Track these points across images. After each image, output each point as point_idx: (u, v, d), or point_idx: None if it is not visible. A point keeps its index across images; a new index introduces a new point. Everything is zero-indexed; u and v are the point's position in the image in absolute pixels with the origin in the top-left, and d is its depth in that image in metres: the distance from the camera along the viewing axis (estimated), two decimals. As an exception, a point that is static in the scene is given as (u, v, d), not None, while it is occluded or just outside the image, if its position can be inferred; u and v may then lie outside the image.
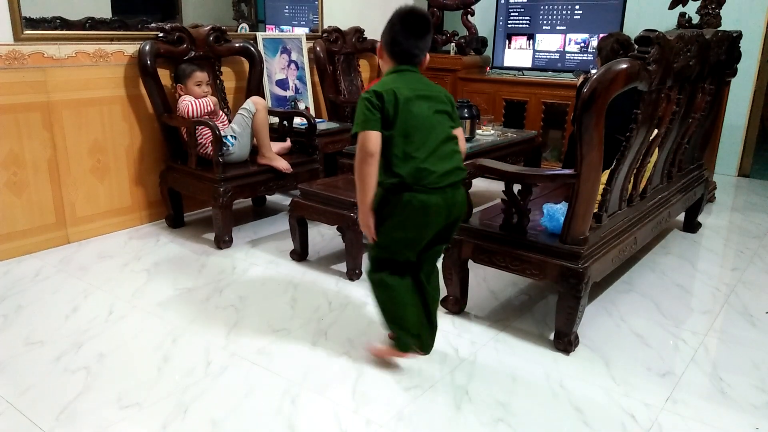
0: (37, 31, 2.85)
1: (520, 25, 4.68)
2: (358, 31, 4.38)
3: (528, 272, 2.13)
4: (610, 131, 1.94)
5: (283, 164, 3.18)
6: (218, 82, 3.52)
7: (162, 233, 3.27)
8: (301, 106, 4.00)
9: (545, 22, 4.57)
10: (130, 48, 3.16)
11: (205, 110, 3.06)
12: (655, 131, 2.28)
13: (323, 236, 3.21)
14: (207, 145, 3.05)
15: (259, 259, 2.92)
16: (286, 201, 3.59)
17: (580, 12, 4.41)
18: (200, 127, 3.06)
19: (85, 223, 3.15)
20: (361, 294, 2.52)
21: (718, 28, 3.51)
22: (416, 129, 1.80)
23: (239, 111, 3.16)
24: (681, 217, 3.33)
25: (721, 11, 3.80)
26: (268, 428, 1.71)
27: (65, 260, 2.88)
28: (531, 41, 4.64)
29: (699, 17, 3.84)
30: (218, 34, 3.44)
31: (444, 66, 4.74)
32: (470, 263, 2.29)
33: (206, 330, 2.24)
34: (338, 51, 4.26)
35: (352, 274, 2.66)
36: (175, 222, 3.34)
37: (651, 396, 1.88)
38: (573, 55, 4.49)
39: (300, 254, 2.88)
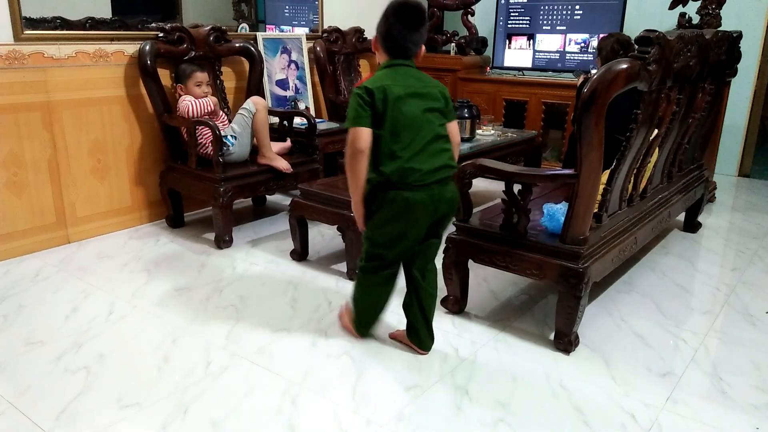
0: (37, 31, 2.85)
1: (521, 25, 4.68)
2: (358, 31, 4.38)
3: (528, 272, 2.13)
4: (611, 131, 1.94)
5: (283, 164, 3.18)
6: (218, 82, 3.52)
7: (162, 233, 3.27)
8: (301, 106, 4.00)
9: (545, 22, 4.57)
10: (131, 48, 3.17)
11: (206, 110, 3.06)
12: (656, 131, 2.28)
13: (323, 236, 3.21)
14: (207, 145, 3.05)
15: (259, 258, 2.92)
16: (286, 201, 3.59)
17: (581, 12, 4.41)
18: (200, 127, 3.06)
19: (85, 223, 3.15)
20: (361, 294, 2.52)
21: (719, 28, 3.52)
22: (404, 128, 1.84)
23: (239, 111, 3.16)
24: (681, 217, 3.33)
25: (721, 11, 3.80)
26: (268, 428, 1.71)
27: (65, 260, 2.88)
28: (531, 41, 4.65)
29: (699, 17, 3.84)
30: (218, 34, 3.44)
31: (444, 66, 4.74)
32: (470, 263, 2.29)
33: (206, 330, 2.24)
34: (338, 51, 4.26)
35: (352, 274, 2.66)
36: (175, 222, 3.34)
37: (651, 396, 1.88)
38: (573, 55, 4.49)
39: (300, 254, 2.88)
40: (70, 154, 3.02)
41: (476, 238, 2.23)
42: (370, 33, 4.38)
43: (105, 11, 3.32)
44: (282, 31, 4.39)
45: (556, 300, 2.10)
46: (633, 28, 3.69)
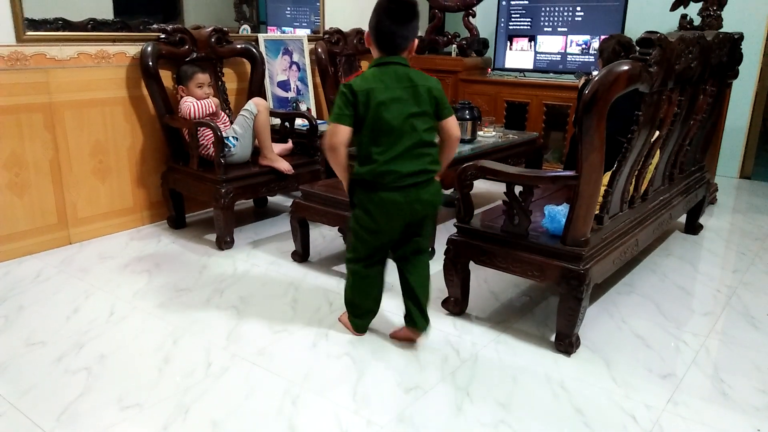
0: (39, 33, 2.85)
1: (522, 27, 4.68)
2: (360, 33, 4.38)
3: (529, 274, 2.12)
4: (612, 133, 1.94)
5: (284, 165, 3.18)
6: (220, 83, 3.53)
7: (163, 234, 3.27)
8: (303, 107, 4.00)
9: (546, 23, 4.57)
10: (132, 49, 3.17)
11: (207, 111, 3.07)
12: (657, 133, 2.28)
13: (324, 237, 3.21)
14: (209, 146, 3.06)
15: (260, 260, 2.92)
16: (287, 202, 3.60)
17: (582, 14, 4.41)
18: (202, 129, 3.06)
19: (86, 224, 3.15)
20: (362, 295, 2.52)
21: (720, 30, 3.51)
22: (384, 134, 1.89)
23: (241, 112, 3.16)
24: (682, 218, 3.33)
25: (722, 13, 3.80)
26: (269, 429, 1.71)
27: (66, 261, 2.89)
28: (532, 43, 4.65)
29: (700, 19, 3.84)
30: (220, 35, 3.45)
31: (445, 68, 4.75)
32: (471, 264, 2.29)
33: (207, 331, 2.25)
34: (340, 52, 4.26)
35: (353, 276, 2.66)
36: (177, 223, 3.35)
37: (652, 397, 1.88)
38: (574, 56, 4.49)
39: (301, 255, 2.88)
40: (71, 155, 3.03)
41: (477, 239, 2.23)
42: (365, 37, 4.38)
43: (107, 12, 3.33)
44: (283, 32, 4.39)
45: (557, 301, 2.10)
46: (634, 30, 3.69)
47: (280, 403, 1.82)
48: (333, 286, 2.63)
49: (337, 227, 2.71)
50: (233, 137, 3.10)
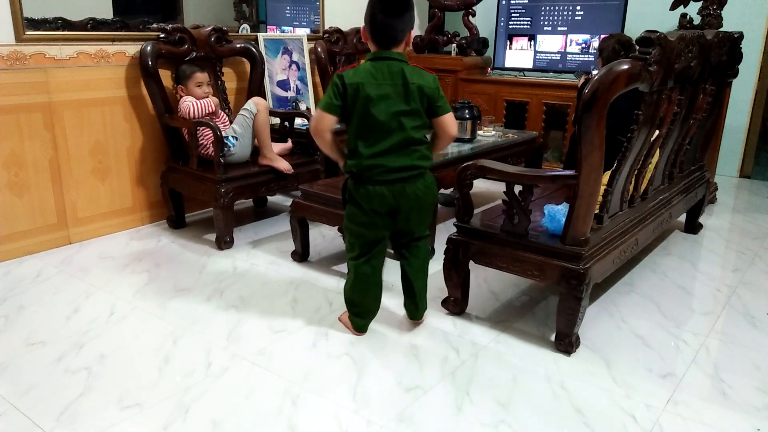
0: (38, 32, 2.85)
1: (521, 26, 4.68)
2: (359, 32, 4.38)
3: (529, 273, 2.12)
4: (611, 132, 1.94)
5: (284, 165, 3.18)
6: (219, 82, 3.52)
7: (163, 234, 3.27)
8: (303, 106, 4.00)
9: (546, 22, 4.56)
10: (132, 49, 3.17)
11: (207, 111, 3.06)
12: (657, 132, 2.28)
13: (324, 237, 3.21)
14: (208, 145, 3.06)
15: (260, 259, 2.92)
16: (287, 202, 3.60)
17: (581, 13, 4.41)
18: (201, 128, 3.06)
19: (86, 224, 3.15)
20: (362, 295, 2.52)
21: (720, 29, 3.51)
22: (371, 129, 1.93)
23: (240, 112, 3.16)
24: (682, 218, 3.33)
25: (722, 12, 3.79)
26: (269, 429, 1.71)
27: (66, 261, 2.88)
28: (532, 42, 4.64)
29: (700, 18, 3.84)
30: (219, 34, 3.45)
31: (445, 67, 4.74)
32: (471, 264, 2.29)
33: (207, 331, 2.25)
34: (339, 52, 4.26)
35: (353, 275, 2.67)
36: (177, 223, 3.34)
37: (652, 397, 1.88)
38: (574, 55, 4.49)
39: (301, 255, 2.88)
40: (71, 154, 3.03)
41: (477, 239, 2.23)
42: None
43: (106, 12, 3.32)
44: (283, 31, 4.39)
45: (556, 301, 2.10)
46: (634, 29, 3.69)
47: (280, 403, 1.82)
48: (333, 285, 2.63)
49: (336, 227, 2.71)
50: (233, 137, 3.10)
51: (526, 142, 3.69)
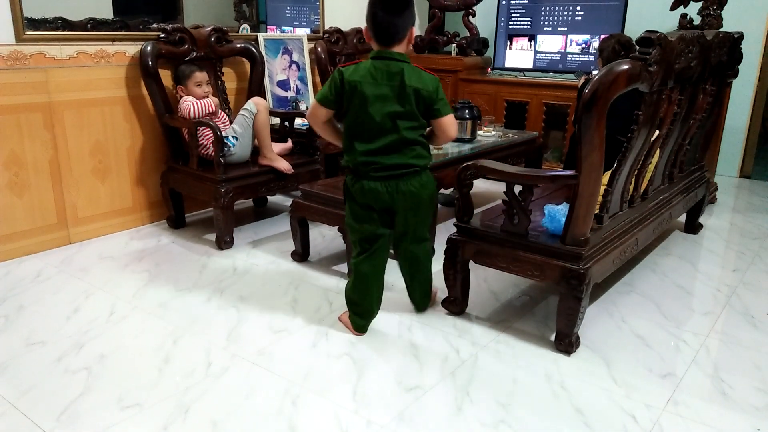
0: (38, 32, 2.85)
1: (522, 26, 4.68)
2: (360, 32, 4.38)
3: (529, 273, 2.12)
4: (612, 132, 1.94)
5: (284, 165, 3.18)
6: (219, 82, 3.52)
7: (163, 234, 3.27)
8: (303, 106, 4.00)
9: (546, 23, 4.56)
10: (132, 49, 3.17)
11: (207, 111, 3.06)
12: (657, 132, 2.28)
13: (324, 237, 3.21)
14: (208, 145, 3.06)
15: (260, 259, 2.92)
16: (287, 202, 3.60)
17: (582, 13, 4.41)
18: (201, 128, 3.06)
19: (86, 224, 3.15)
20: (362, 295, 2.52)
21: (720, 29, 3.51)
22: (365, 128, 1.97)
23: (240, 112, 3.16)
24: (682, 218, 3.33)
25: (722, 12, 3.79)
26: (269, 429, 1.71)
27: (66, 261, 2.88)
28: (532, 42, 4.64)
29: (700, 18, 3.84)
30: (219, 34, 3.45)
31: (445, 67, 4.74)
32: (471, 264, 2.29)
33: (207, 331, 2.25)
34: (339, 52, 4.26)
35: (353, 275, 2.67)
36: (177, 223, 3.34)
37: (652, 397, 1.88)
38: (574, 56, 4.49)
39: (301, 255, 2.88)
40: (71, 154, 3.03)
41: (477, 239, 2.23)
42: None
43: (106, 12, 3.32)
44: (283, 31, 4.39)
45: (556, 301, 2.10)
46: (634, 29, 3.69)
47: (280, 403, 1.82)
48: (333, 285, 2.63)
49: (336, 227, 2.71)
50: (233, 137, 3.10)
51: (526, 142, 3.69)
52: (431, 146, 2.13)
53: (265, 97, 3.73)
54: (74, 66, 2.98)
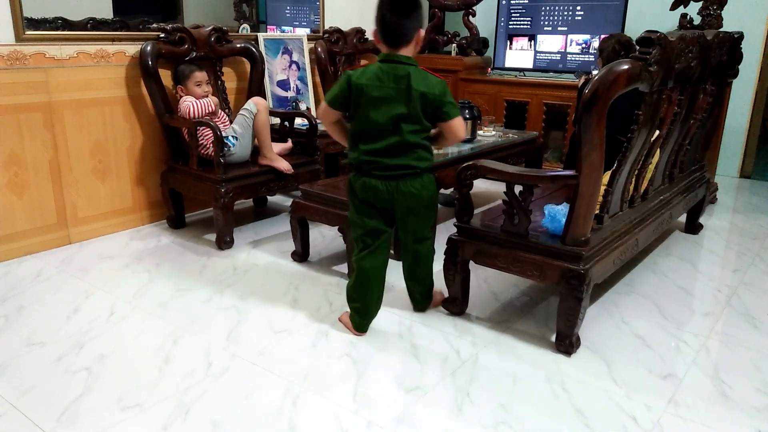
0: (38, 32, 2.85)
1: (522, 26, 4.67)
2: (360, 32, 4.38)
3: (529, 274, 2.12)
4: (612, 132, 1.94)
5: (284, 165, 3.18)
6: (219, 82, 3.52)
7: (163, 234, 3.27)
8: (303, 106, 4.00)
9: (546, 23, 4.56)
10: (132, 48, 3.17)
11: (207, 111, 3.06)
12: (657, 132, 2.28)
13: (324, 237, 3.21)
14: (208, 145, 3.05)
15: (260, 259, 2.92)
16: (287, 202, 3.60)
17: (582, 13, 4.41)
18: (201, 128, 3.06)
19: (86, 224, 3.15)
20: (362, 295, 2.52)
21: (720, 29, 3.51)
22: (369, 129, 2.01)
23: (240, 112, 3.16)
24: (682, 218, 3.33)
25: (722, 12, 3.79)
26: (269, 429, 1.71)
27: (66, 261, 2.88)
28: (532, 42, 4.64)
29: (700, 18, 3.84)
30: (219, 34, 3.44)
31: (445, 67, 4.74)
32: (471, 264, 2.28)
33: (207, 331, 2.24)
34: (339, 52, 4.26)
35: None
36: (177, 223, 3.34)
37: (652, 398, 1.87)
38: (574, 56, 4.49)
39: (301, 255, 2.88)
40: (71, 154, 3.03)
41: (477, 239, 2.23)
42: (371, 34, 4.38)
43: (106, 12, 3.32)
44: (283, 31, 4.39)
45: (557, 301, 2.10)
46: (634, 29, 3.69)
47: (280, 403, 1.82)
48: (333, 285, 2.63)
49: (336, 227, 2.71)
50: (233, 137, 3.10)
51: (526, 142, 3.69)
52: (437, 147, 2.17)
53: (265, 97, 3.73)
54: (74, 66, 2.98)
